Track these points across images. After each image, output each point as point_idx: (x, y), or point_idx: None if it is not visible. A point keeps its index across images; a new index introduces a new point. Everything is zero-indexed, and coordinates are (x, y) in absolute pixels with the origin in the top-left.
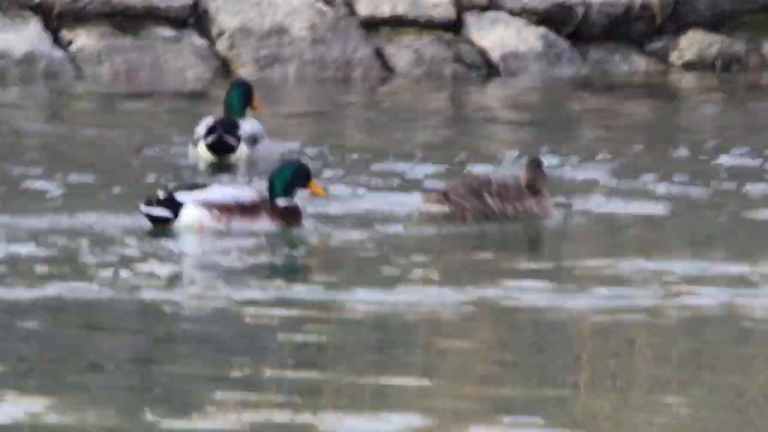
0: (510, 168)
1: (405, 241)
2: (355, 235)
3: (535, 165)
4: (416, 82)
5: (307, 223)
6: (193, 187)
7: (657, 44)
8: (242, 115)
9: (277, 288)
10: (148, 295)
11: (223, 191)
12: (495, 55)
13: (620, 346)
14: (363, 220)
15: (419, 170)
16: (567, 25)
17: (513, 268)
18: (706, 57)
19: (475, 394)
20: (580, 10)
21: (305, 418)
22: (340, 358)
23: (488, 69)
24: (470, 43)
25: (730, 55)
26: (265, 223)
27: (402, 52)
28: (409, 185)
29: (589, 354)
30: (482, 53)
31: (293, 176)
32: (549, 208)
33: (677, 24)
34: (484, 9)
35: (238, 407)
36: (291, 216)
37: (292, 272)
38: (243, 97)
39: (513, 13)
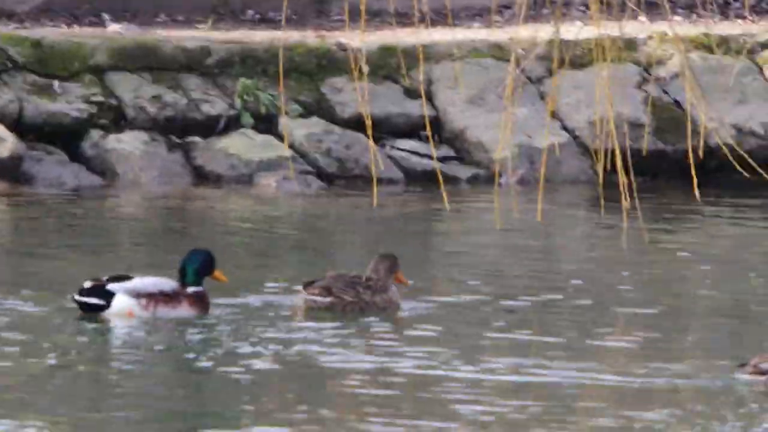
0: None
1: None
2: None
3: (392, 260)
4: None
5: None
6: (120, 278)
7: None
8: None
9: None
10: None
11: (145, 281)
12: None
13: None
14: None
15: None
16: None
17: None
18: None
19: None
20: None
21: None
22: None
23: None
24: None
25: None
26: (184, 310)
27: None
28: None
29: None
30: None
31: (202, 265)
32: (399, 296)
33: None
34: None
35: None
36: (204, 303)
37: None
38: None
39: None
